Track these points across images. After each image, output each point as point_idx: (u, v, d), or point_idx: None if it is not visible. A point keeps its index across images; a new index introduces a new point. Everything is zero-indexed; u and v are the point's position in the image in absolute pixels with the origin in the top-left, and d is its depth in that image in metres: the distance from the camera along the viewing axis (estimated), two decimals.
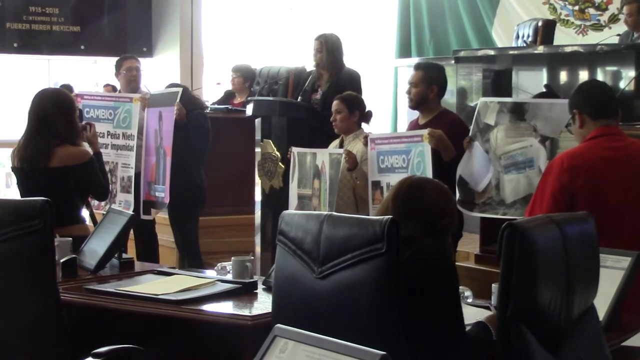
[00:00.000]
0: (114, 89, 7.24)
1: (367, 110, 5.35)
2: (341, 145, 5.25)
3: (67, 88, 6.98)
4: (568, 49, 6.77)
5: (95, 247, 3.98)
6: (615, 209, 3.69)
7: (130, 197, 6.02)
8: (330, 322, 2.45)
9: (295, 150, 5.36)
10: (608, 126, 3.87)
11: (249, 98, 6.57)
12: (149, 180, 6.03)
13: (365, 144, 5.05)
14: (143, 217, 5.90)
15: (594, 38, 8.79)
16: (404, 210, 2.72)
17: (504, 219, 4.35)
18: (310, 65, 6.19)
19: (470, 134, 4.82)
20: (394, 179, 3.93)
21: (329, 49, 5.84)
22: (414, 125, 5.10)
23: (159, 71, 9.15)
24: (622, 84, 6.01)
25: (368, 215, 4.81)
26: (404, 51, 10.64)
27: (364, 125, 5.37)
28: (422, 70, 5.03)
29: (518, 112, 4.72)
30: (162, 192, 5.89)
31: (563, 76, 6.68)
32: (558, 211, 3.65)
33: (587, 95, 3.92)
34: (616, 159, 3.81)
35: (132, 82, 6.47)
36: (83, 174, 4.44)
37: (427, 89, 4.96)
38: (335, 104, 5.25)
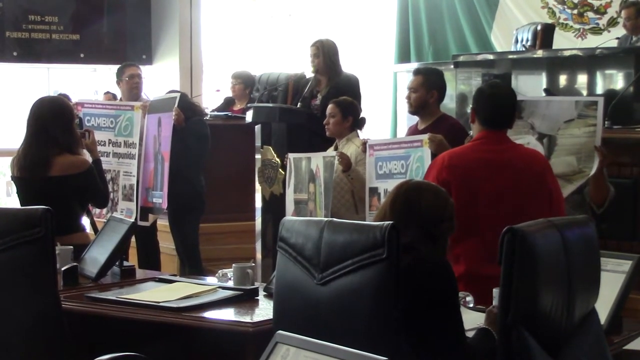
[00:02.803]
0: (114, 97, 7.24)
1: (361, 116, 5.36)
2: (336, 150, 5.26)
3: (64, 97, 6.97)
4: (567, 53, 6.77)
5: (97, 255, 3.99)
6: (487, 209, 3.75)
7: (133, 205, 6.02)
8: (332, 328, 2.45)
9: (291, 156, 5.38)
10: (494, 130, 3.96)
11: (249, 104, 6.57)
12: (147, 186, 6.03)
13: (364, 150, 5.05)
14: (140, 223, 5.88)
15: (593, 42, 8.79)
16: (401, 215, 2.72)
17: None
18: (309, 72, 6.20)
19: (471, 134, 4.83)
20: (391, 185, 3.94)
21: (326, 54, 5.86)
22: (413, 131, 5.10)
23: (158, 78, 9.15)
24: (621, 87, 6.01)
25: (366, 219, 4.82)
26: (403, 56, 10.64)
27: (359, 131, 5.38)
28: (421, 75, 5.03)
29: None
30: (160, 198, 5.89)
31: (562, 80, 6.68)
32: None
33: (486, 102, 3.99)
34: (494, 161, 3.89)
35: (133, 89, 6.49)
36: (82, 182, 4.43)
37: (427, 93, 4.96)
38: (329, 107, 5.28)
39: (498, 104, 3.98)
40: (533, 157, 4.02)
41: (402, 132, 8.82)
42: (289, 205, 5.36)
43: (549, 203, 3.88)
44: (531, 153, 4.06)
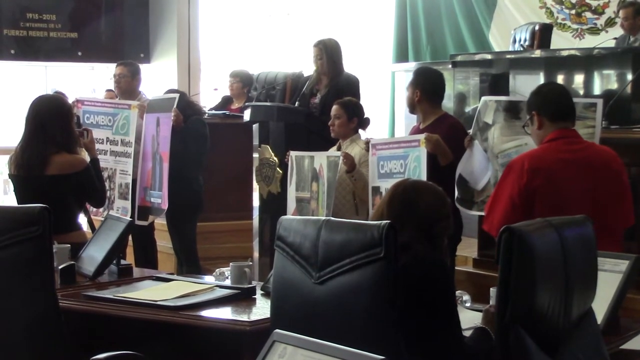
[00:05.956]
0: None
1: (365, 117, 5.37)
2: (339, 150, 5.26)
3: (61, 95, 6.98)
4: (565, 53, 6.77)
5: (94, 254, 3.98)
6: (574, 211, 3.73)
7: (128, 204, 6.02)
8: (329, 326, 2.45)
9: (293, 153, 5.37)
10: (566, 129, 3.96)
11: (247, 103, 6.57)
12: (145, 185, 6.03)
13: (367, 150, 5.06)
14: (138, 222, 5.86)
15: (590, 42, 8.80)
16: (399, 215, 2.71)
17: None
18: (307, 71, 6.19)
19: (471, 133, 4.84)
20: (391, 185, 3.94)
21: (329, 55, 5.85)
22: (416, 130, 5.12)
23: (156, 77, 9.14)
24: (619, 88, 6.01)
25: (368, 217, 4.82)
26: (401, 56, 10.65)
27: (360, 131, 5.38)
28: (412, 74, 5.13)
29: (513, 110, 4.75)
30: (158, 198, 5.88)
31: (560, 80, 6.66)
32: (514, 212, 3.79)
33: (546, 98, 4.01)
34: (576, 161, 3.89)
35: (116, 88, 6.58)
36: (79, 181, 4.43)
37: (412, 93, 5.01)
38: (334, 108, 5.27)
39: (562, 95, 4.03)
40: (610, 155, 4.03)
41: (399, 132, 8.84)
42: (290, 203, 5.36)
43: (624, 201, 3.93)
44: (608, 151, 4.07)
